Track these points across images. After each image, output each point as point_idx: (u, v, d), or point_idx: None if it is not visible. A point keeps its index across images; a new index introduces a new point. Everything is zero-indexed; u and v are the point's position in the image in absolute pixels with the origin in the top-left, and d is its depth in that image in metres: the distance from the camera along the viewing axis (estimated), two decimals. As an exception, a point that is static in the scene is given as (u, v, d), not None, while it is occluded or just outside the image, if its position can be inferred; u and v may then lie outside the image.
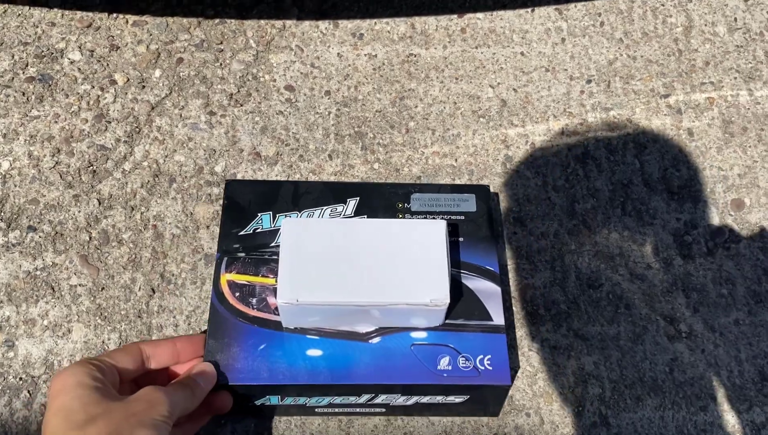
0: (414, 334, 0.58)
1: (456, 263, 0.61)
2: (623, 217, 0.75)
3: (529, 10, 0.88)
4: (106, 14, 0.85)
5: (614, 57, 0.85)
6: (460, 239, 0.63)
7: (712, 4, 0.90)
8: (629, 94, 0.83)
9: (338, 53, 0.85)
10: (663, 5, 0.89)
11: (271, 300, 0.59)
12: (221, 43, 0.84)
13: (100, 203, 0.73)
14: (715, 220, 0.75)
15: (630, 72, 0.84)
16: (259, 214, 0.64)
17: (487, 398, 0.60)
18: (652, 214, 0.75)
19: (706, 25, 0.88)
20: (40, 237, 0.71)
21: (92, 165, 0.75)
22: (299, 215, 0.64)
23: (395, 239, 0.57)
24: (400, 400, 0.59)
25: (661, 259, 0.73)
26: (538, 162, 0.78)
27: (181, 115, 0.79)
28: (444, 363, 0.57)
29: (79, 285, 0.69)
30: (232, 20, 0.86)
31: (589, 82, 0.83)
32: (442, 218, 0.64)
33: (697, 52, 0.86)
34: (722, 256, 0.73)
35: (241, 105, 0.80)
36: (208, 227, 0.72)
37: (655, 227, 0.74)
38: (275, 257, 0.61)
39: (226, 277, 0.61)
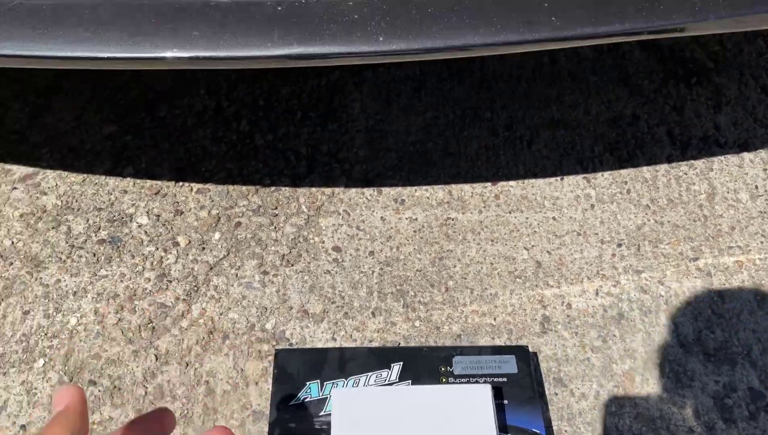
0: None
1: (503, 427, 0.63)
2: (661, 379, 0.76)
3: (559, 178, 0.95)
4: (173, 182, 0.95)
5: (642, 222, 0.90)
6: (505, 402, 0.65)
7: (733, 173, 0.96)
8: (659, 258, 0.87)
9: (381, 217, 0.91)
10: (686, 174, 0.96)
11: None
12: (276, 208, 0.92)
13: (157, 359, 0.77)
14: (755, 382, 0.76)
15: (658, 236, 0.89)
16: (308, 383, 0.68)
17: None
18: (690, 376, 0.76)
19: (728, 192, 0.94)
20: (99, 391, 0.75)
21: (152, 322, 0.80)
22: (346, 382, 0.67)
23: (442, 406, 0.59)
24: None
25: (702, 423, 0.73)
26: (575, 322, 0.81)
27: (236, 275, 0.85)
28: None
29: (133, 440, 0.71)
30: (287, 188, 0.94)
31: (619, 245, 0.88)
32: (486, 381, 0.66)
33: (722, 218, 0.91)
34: (765, 420, 0.73)
35: (292, 265, 0.86)
36: (257, 383, 0.76)
37: (694, 389, 0.75)
38: (326, 427, 0.64)
39: None
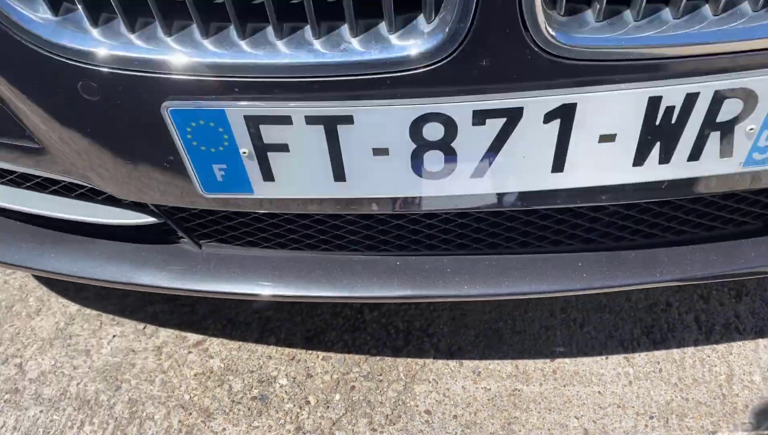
0: None
1: None
2: None
3: (604, 357, 1.20)
4: (305, 350, 1.25)
5: (671, 398, 1.13)
6: None
7: (749, 357, 1.18)
8: (684, 430, 1.09)
9: (462, 386, 1.18)
10: (709, 356, 1.19)
11: None
12: (380, 374, 1.21)
13: (296, 496, 1.05)
14: None
15: (684, 411, 1.11)
16: None
17: None
18: None
19: (744, 374, 1.16)
20: None
21: (292, 465, 1.09)
22: None
23: None
24: None
25: None
26: (614, 482, 1.04)
27: (353, 431, 1.13)
28: None
29: None
30: (388, 358, 1.23)
31: (651, 417, 1.11)
32: None
33: (738, 397, 1.13)
34: None
35: (394, 424, 1.14)
36: None
37: None
38: None
39: None
